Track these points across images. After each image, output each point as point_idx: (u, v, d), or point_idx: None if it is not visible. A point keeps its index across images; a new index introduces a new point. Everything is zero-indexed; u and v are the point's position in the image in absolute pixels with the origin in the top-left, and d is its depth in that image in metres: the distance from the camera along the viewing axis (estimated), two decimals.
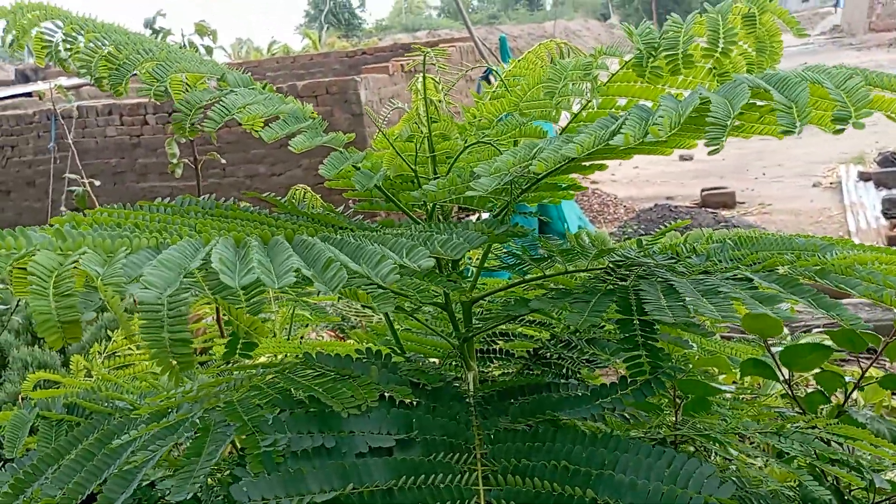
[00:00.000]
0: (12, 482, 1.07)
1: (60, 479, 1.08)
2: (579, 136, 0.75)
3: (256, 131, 1.06)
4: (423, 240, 0.85)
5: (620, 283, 1.01)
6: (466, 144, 1.00)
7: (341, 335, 3.81)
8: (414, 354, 1.24)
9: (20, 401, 2.04)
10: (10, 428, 1.16)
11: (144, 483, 1.40)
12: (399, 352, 1.18)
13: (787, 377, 1.28)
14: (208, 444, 0.86)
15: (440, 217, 1.07)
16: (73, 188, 2.92)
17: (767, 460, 1.24)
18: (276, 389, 0.89)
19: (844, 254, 0.95)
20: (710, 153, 0.70)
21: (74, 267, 0.64)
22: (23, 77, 13.02)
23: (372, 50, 11.11)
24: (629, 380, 0.90)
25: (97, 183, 3.30)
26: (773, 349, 1.32)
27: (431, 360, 1.27)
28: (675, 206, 8.88)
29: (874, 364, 1.27)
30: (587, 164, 1.09)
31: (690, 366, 1.51)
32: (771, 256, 0.99)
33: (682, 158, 12.35)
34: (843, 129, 0.64)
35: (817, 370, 1.27)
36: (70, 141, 4.48)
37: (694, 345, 1.57)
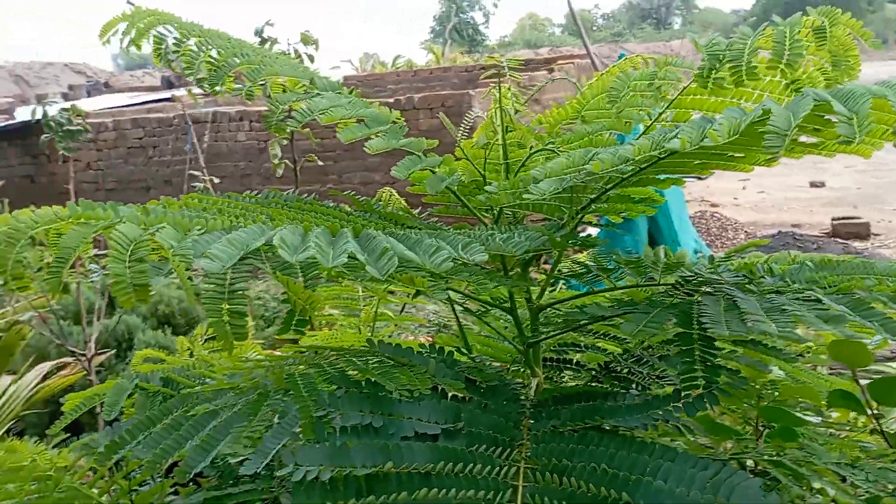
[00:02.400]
0: (108, 444, 1.18)
1: (149, 444, 1.18)
2: (638, 141, 0.75)
3: (342, 128, 1.12)
4: (483, 238, 0.88)
5: (686, 298, 1.00)
6: (531, 151, 1.02)
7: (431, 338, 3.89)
8: (480, 357, 1.27)
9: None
10: (110, 394, 1.28)
11: (232, 461, 1.50)
12: (465, 352, 1.21)
13: (875, 411, 1.21)
14: (264, 409, 0.92)
15: (509, 223, 1.09)
16: (196, 185, 3.15)
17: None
18: (336, 369, 0.94)
19: None
20: (768, 162, 0.69)
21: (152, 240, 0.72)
22: (167, 83, 14.06)
23: (491, 66, 11.21)
24: (682, 393, 0.89)
25: (216, 180, 3.54)
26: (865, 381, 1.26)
27: (497, 364, 1.29)
28: (801, 235, 8.45)
29: None
30: (662, 176, 1.08)
31: (777, 394, 1.45)
32: (849, 280, 0.95)
33: (813, 185, 11.70)
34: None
35: None
36: (196, 141, 4.82)
37: (782, 372, 1.51)
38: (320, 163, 2.70)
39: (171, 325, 4.56)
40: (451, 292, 1.25)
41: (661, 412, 0.89)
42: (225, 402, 1.04)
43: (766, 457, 1.12)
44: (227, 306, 0.72)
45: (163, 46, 1.04)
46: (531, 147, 1.06)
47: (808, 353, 1.62)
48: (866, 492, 1.12)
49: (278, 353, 1.09)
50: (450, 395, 0.94)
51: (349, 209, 1.10)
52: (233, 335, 0.72)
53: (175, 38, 1.02)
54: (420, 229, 1.01)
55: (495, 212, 1.08)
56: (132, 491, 1.59)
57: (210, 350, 1.77)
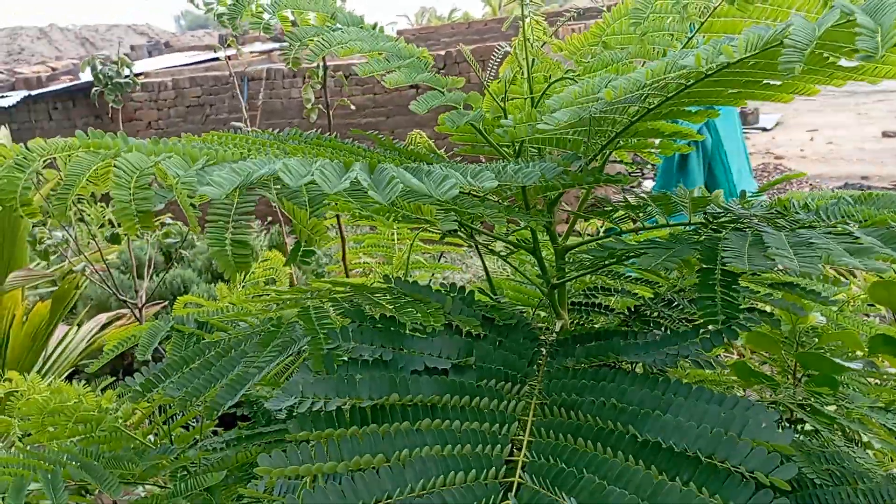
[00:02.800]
0: (143, 382, 1.22)
1: (181, 383, 1.21)
2: (650, 63, 0.72)
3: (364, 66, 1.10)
4: (496, 168, 0.86)
5: (713, 235, 0.96)
6: (551, 81, 0.98)
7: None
8: (509, 302, 1.25)
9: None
10: (145, 335, 1.31)
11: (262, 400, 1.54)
12: (490, 294, 1.20)
13: None
14: (276, 341, 0.93)
15: (532, 158, 1.07)
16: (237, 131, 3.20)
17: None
18: (352, 304, 0.94)
19: None
20: (805, 90, 0.65)
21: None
22: (225, 42, 14.20)
23: (548, 14, 10.95)
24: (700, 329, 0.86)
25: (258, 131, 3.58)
26: None
27: (523, 307, 1.28)
28: (869, 187, 8.09)
29: None
30: (693, 108, 1.03)
31: (817, 340, 1.40)
32: (888, 214, 0.90)
33: (886, 135, 11.15)
34: None
35: None
36: (238, 94, 4.86)
37: (823, 317, 1.45)
38: (352, 106, 2.69)
39: (224, 279, 4.69)
40: (477, 236, 1.24)
41: (677, 348, 0.86)
42: (243, 336, 1.05)
43: (794, 401, 1.08)
44: (230, 235, 0.72)
45: None
46: (549, 77, 1.02)
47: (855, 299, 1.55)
48: None
49: (296, 288, 1.10)
50: (465, 333, 0.93)
51: (367, 148, 1.09)
52: (235, 264, 0.72)
53: None
54: (435, 164, 0.99)
55: (516, 147, 1.05)
56: (173, 433, 1.65)
57: (251, 295, 1.81)
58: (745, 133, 10.79)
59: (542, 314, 1.26)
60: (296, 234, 0.79)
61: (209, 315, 1.43)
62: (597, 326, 1.29)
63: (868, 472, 0.94)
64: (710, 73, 0.88)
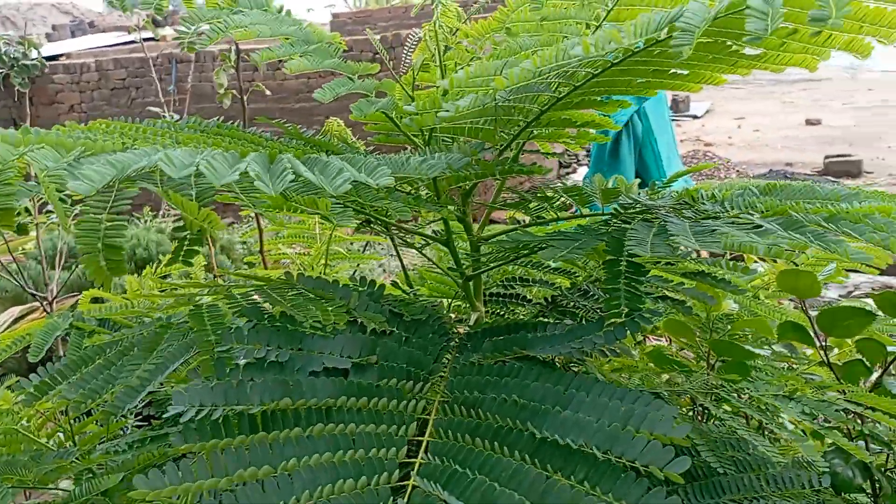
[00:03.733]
0: (37, 384, 1.15)
1: (79, 384, 1.15)
2: (540, 51, 0.70)
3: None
4: (397, 161, 0.83)
5: (622, 226, 0.96)
6: (458, 69, 0.96)
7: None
8: (421, 293, 1.23)
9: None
10: (39, 333, 1.24)
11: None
12: (404, 287, 1.17)
13: (823, 342, 1.18)
14: (165, 341, 0.88)
15: (443, 148, 1.04)
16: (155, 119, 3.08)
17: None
18: (249, 301, 0.90)
19: (871, 204, 0.85)
20: (712, 79, 0.63)
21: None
22: (154, 22, 13.72)
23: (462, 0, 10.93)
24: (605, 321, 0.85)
25: (176, 117, 3.46)
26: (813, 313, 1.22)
27: (439, 300, 1.26)
28: (793, 173, 8.38)
29: None
30: (604, 98, 1.02)
31: (730, 327, 1.42)
32: (790, 204, 0.90)
33: (809, 123, 11.56)
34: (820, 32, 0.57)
35: (860, 337, 1.16)
36: (188, 85, 4.71)
37: (736, 305, 1.48)
38: (268, 92, 2.61)
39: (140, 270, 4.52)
40: (392, 228, 1.21)
41: (579, 341, 0.85)
42: (131, 337, 1.00)
43: (703, 390, 1.09)
44: (102, 238, 0.67)
45: None
46: (456, 64, 0.99)
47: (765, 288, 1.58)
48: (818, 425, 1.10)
49: (192, 283, 1.05)
50: (370, 330, 0.90)
51: (271, 138, 1.04)
52: (108, 271, 0.67)
53: None
54: (340, 155, 0.95)
55: (426, 136, 1.02)
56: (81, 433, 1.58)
57: (162, 288, 1.74)
58: (676, 120, 11.02)
59: (462, 305, 1.24)
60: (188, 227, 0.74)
61: (113, 311, 1.37)
62: (511, 318, 1.28)
63: (771, 459, 0.95)
64: (616, 61, 0.87)
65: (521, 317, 1.29)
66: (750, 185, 1.00)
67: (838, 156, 9.14)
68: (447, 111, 0.78)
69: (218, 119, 1.13)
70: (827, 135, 10.87)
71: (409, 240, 1.23)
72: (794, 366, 1.29)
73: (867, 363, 1.16)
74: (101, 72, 8.66)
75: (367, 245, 2.09)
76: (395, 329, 0.92)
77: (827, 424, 1.15)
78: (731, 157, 9.65)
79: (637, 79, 0.97)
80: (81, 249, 0.67)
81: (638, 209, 0.99)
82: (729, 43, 0.85)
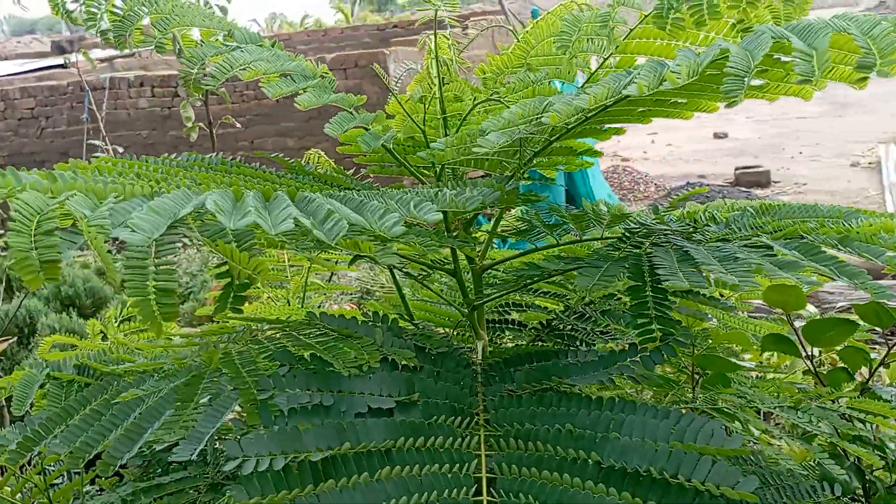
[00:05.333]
0: (21, 440, 1.08)
1: (68, 437, 1.09)
2: (593, 88, 0.71)
3: (266, 83, 1.04)
4: (431, 196, 0.83)
5: (634, 251, 0.98)
6: (476, 102, 0.97)
7: (359, 304, 3.82)
8: (423, 322, 1.22)
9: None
10: (19, 386, 1.17)
11: (158, 448, 1.41)
12: (408, 318, 1.16)
13: (809, 353, 1.24)
14: (200, 393, 0.85)
15: (451, 180, 1.04)
16: (97, 155, 2.95)
17: (790, 441, 1.21)
18: (276, 345, 0.88)
19: (870, 221, 0.91)
20: (727, 106, 0.66)
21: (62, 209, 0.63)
22: (59, 49, 13.18)
23: (404, 24, 11.01)
24: (639, 347, 0.87)
25: (120, 150, 3.32)
26: (797, 324, 1.28)
27: (440, 329, 1.25)
28: (707, 184, 8.74)
29: None
30: (604, 126, 1.05)
31: (710, 341, 1.47)
32: (793, 224, 0.95)
33: (717, 136, 12.12)
34: (867, 80, 0.60)
35: (842, 346, 1.23)
36: (94, 109, 4.53)
37: (715, 320, 1.53)
38: (238, 125, 2.55)
39: (76, 307, 4.31)
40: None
41: (616, 367, 0.87)
42: (151, 387, 0.96)
43: (707, 405, 1.13)
44: (154, 283, 0.64)
45: None
46: (474, 99, 1.00)
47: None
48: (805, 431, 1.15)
49: (210, 330, 1.02)
50: (402, 366, 0.89)
51: (282, 172, 1.02)
52: (161, 316, 0.64)
53: None
54: (357, 190, 0.94)
55: (437, 169, 1.02)
56: (50, 487, 1.49)
57: (126, 332, 1.66)
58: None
59: (459, 333, 1.24)
60: (231, 275, 0.72)
61: (90, 358, 1.30)
62: (511, 345, 1.29)
63: (790, 470, 0.99)
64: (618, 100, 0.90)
65: (517, 343, 1.30)
66: (747, 206, 1.05)
67: (747, 167, 9.61)
68: (482, 147, 0.79)
69: (190, 154, 1.10)
70: (734, 147, 11.42)
71: (407, 270, 1.22)
72: (775, 375, 1.35)
73: (849, 370, 1.22)
74: (7, 101, 8.25)
75: (332, 274, 2.06)
76: (423, 364, 0.91)
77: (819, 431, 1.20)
78: (649, 171, 10.01)
79: (640, 108, 1.00)
80: (132, 294, 0.64)
81: (644, 232, 1.02)
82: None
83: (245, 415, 1.16)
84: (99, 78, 7.56)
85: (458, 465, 0.73)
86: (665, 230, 1.01)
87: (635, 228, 1.04)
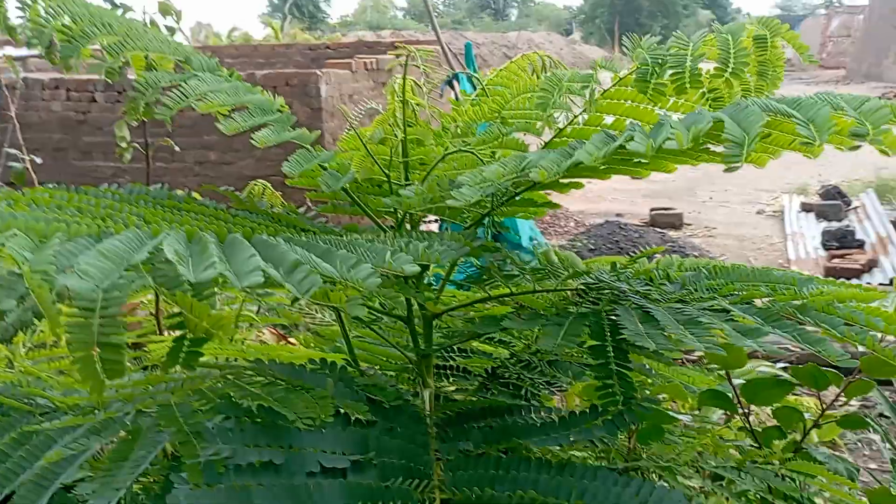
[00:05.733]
0: None
1: None
2: (587, 146, 0.70)
3: (221, 115, 0.99)
4: (401, 246, 0.80)
5: (593, 307, 0.98)
6: (447, 152, 0.95)
7: (283, 334, 3.71)
8: (368, 367, 1.18)
9: None
10: None
11: (61, 486, 1.31)
12: (353, 363, 1.12)
13: (745, 410, 1.27)
14: (137, 449, 0.79)
15: (409, 226, 1.02)
16: (13, 164, 2.76)
17: (726, 496, 1.23)
18: (220, 395, 0.82)
19: (821, 289, 0.93)
20: (726, 171, 0.67)
21: None
22: None
23: (335, 45, 10.93)
24: (600, 409, 0.86)
25: (38, 160, 3.13)
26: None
27: (386, 373, 1.22)
28: (625, 224, 9.00)
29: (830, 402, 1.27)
30: (566, 181, 1.05)
31: (647, 392, 1.49)
32: (747, 288, 0.97)
33: (633, 177, 12.54)
34: (860, 146, 0.63)
35: (776, 405, 1.26)
36: (12, 113, 4.27)
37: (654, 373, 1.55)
38: (177, 148, 2.44)
39: None
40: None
41: (578, 430, 0.86)
42: (80, 445, 0.88)
43: (655, 461, 1.13)
44: (101, 337, 0.58)
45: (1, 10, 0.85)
46: (441, 146, 0.98)
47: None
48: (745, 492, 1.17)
49: (145, 381, 0.94)
50: (353, 420, 0.85)
51: (233, 209, 0.97)
52: (105, 373, 0.58)
53: (20, 0, 0.84)
54: (316, 233, 0.90)
55: (399, 215, 0.99)
56: None
57: (35, 360, 1.54)
58: None
59: (406, 378, 1.21)
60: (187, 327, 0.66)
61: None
62: (452, 390, 1.26)
63: None
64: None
65: (457, 387, 1.28)
66: (699, 266, 1.07)
67: (662, 208, 9.97)
68: (457, 200, 0.76)
69: (133, 185, 1.04)
70: (650, 188, 11.84)
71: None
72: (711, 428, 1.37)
73: (783, 428, 1.25)
74: None
75: (259, 307, 1.98)
76: (376, 418, 0.87)
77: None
78: (569, 207, 10.23)
79: (603, 166, 1.00)
80: (74, 350, 0.58)
81: (604, 289, 1.02)
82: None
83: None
84: (11, 78, 7.17)
85: None
86: (623, 288, 1.01)
87: (593, 283, 1.03)
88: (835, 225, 8.35)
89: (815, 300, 0.88)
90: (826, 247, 7.53)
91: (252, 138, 0.93)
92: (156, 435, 0.85)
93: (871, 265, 6.53)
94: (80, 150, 7.49)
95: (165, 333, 1.67)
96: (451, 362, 1.28)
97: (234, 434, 0.76)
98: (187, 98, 0.88)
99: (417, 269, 0.66)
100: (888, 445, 1.68)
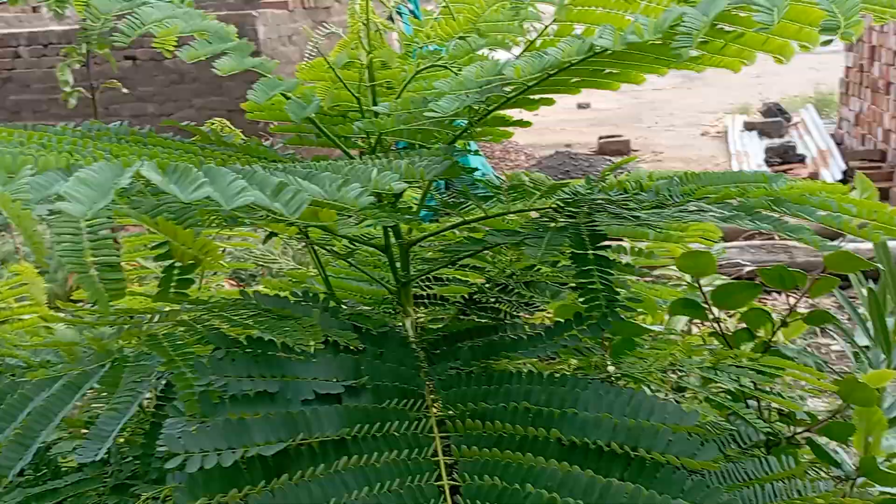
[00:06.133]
0: None
1: None
2: (560, 45, 0.69)
3: (168, 51, 0.94)
4: (383, 165, 0.79)
5: (570, 220, 0.98)
6: (420, 68, 0.92)
7: (241, 284, 3.66)
8: (349, 301, 1.17)
9: None
10: None
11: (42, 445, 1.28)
12: (332, 298, 1.11)
13: (716, 316, 1.30)
14: (127, 375, 0.77)
15: (386, 152, 0.99)
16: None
17: (700, 402, 1.27)
18: (207, 326, 0.81)
19: (791, 184, 0.95)
20: (636, 78, 0.67)
21: None
22: None
23: None
24: (584, 316, 0.87)
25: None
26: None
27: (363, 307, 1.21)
28: (575, 154, 9.06)
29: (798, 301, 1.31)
30: (536, 96, 1.03)
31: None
32: (720, 190, 0.98)
33: (580, 107, 12.56)
34: (830, 41, 0.63)
35: (744, 309, 1.30)
36: None
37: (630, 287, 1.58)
38: (125, 90, 2.33)
39: None
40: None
41: (565, 338, 0.87)
42: (54, 395, 0.85)
43: (631, 371, 1.16)
44: (94, 259, 0.56)
45: None
46: (418, 65, 0.95)
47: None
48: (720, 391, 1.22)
49: (126, 311, 0.92)
50: (344, 348, 0.85)
51: (195, 143, 0.93)
52: (109, 292, 0.56)
53: None
54: (291, 162, 0.88)
55: (372, 140, 0.97)
56: None
57: None
58: None
59: (387, 309, 1.20)
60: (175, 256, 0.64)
61: None
62: (429, 319, 1.27)
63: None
64: (574, 62, 0.88)
65: (441, 318, 1.28)
66: (672, 175, 1.07)
67: (609, 136, 10.04)
68: (434, 112, 0.75)
69: (91, 122, 0.99)
70: (596, 117, 11.89)
71: (329, 246, 1.16)
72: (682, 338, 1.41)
73: (752, 331, 1.30)
74: None
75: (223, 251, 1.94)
76: (365, 345, 0.87)
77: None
78: (518, 140, 10.23)
79: (574, 78, 0.99)
80: (74, 270, 0.55)
81: (580, 202, 1.02)
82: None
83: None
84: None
85: (416, 450, 0.70)
86: (600, 198, 1.01)
87: (569, 198, 1.03)
88: (777, 142, 8.54)
89: (788, 193, 0.90)
90: (769, 163, 7.70)
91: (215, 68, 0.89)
92: (137, 384, 0.84)
93: (813, 178, 6.73)
94: (8, 110, 7.14)
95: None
96: (429, 291, 1.28)
97: (227, 365, 0.75)
98: (143, 24, 0.83)
99: (405, 185, 0.65)
100: (846, 340, 1.76)
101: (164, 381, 0.89)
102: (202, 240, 0.61)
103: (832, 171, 6.82)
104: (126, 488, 1.16)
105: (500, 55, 1.01)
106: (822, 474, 1.28)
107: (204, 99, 6.42)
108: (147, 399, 1.11)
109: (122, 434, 1.26)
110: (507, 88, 0.93)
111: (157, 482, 0.86)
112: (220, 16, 5.94)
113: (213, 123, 1.25)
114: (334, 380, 0.78)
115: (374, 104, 0.99)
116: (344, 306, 1.07)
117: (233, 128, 1.23)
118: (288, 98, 0.97)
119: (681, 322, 2.05)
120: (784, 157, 7.80)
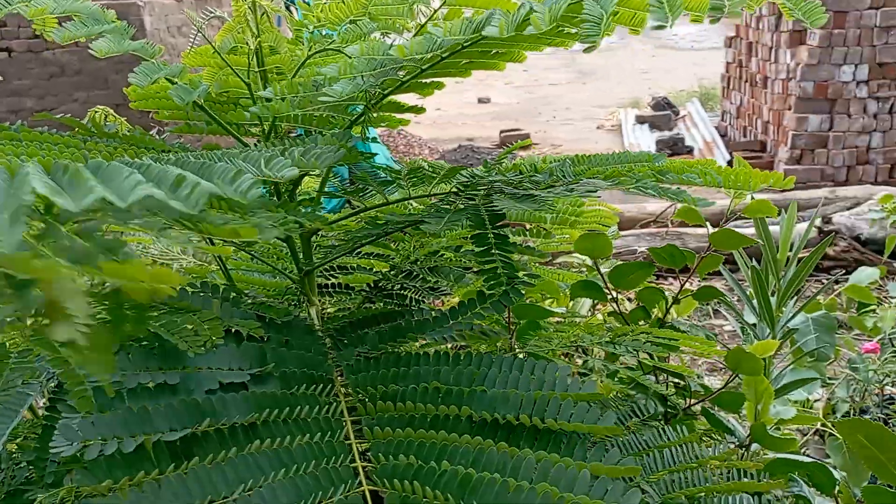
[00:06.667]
0: None
1: None
2: (445, 26, 0.70)
3: (48, 33, 0.90)
4: (277, 153, 0.77)
5: (469, 202, 0.99)
6: (312, 52, 0.91)
7: None
8: (251, 292, 1.15)
9: None
10: None
11: None
12: (234, 289, 1.08)
13: (614, 296, 1.35)
14: (10, 375, 0.73)
15: (280, 139, 0.97)
16: None
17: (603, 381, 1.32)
18: (99, 321, 0.77)
19: (671, 162, 1.00)
20: (585, 51, 0.68)
21: None
22: None
23: None
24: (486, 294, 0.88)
25: None
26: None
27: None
28: (478, 147, 9.18)
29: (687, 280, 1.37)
30: (427, 80, 1.04)
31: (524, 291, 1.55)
32: (609, 169, 1.02)
33: (481, 101, 12.74)
34: (719, 19, 0.66)
35: (639, 288, 1.35)
36: None
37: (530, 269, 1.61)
38: (1, 78, 2.17)
39: None
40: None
41: (469, 316, 0.88)
42: None
43: (536, 352, 1.19)
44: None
45: None
46: (310, 49, 0.94)
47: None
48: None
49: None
50: (247, 337, 0.83)
51: (75, 136, 0.89)
52: None
53: None
54: (181, 152, 0.85)
55: (265, 127, 0.95)
56: None
57: None
58: None
59: (290, 299, 1.18)
60: None
61: None
62: (333, 309, 1.26)
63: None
64: (466, 45, 0.89)
65: (346, 308, 1.27)
66: (564, 158, 1.11)
67: (510, 130, 10.24)
68: (329, 96, 0.74)
69: None
70: (497, 112, 12.08)
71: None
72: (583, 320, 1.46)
73: (647, 309, 1.35)
74: None
75: None
76: (270, 334, 0.85)
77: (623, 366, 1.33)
78: (422, 135, 10.27)
79: (464, 60, 1.00)
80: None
81: (479, 185, 1.03)
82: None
83: None
84: None
85: (328, 433, 0.70)
86: (497, 180, 1.03)
87: (467, 181, 1.05)
88: (667, 134, 8.93)
89: (670, 166, 0.95)
90: None
91: (92, 51, 0.85)
92: (24, 385, 0.79)
93: None
94: None
95: None
96: (333, 279, 1.27)
97: (120, 361, 0.72)
98: (10, 4, 0.79)
99: (296, 172, 0.64)
100: (736, 319, 1.86)
101: (54, 383, 0.84)
102: (158, 269, 0.56)
103: (717, 160, 7.19)
104: (21, 493, 1.09)
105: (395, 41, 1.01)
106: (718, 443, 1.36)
107: (87, 92, 6.09)
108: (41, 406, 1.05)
109: (14, 440, 1.19)
110: (402, 73, 0.94)
111: (52, 486, 0.82)
112: (104, 4, 5.70)
113: (96, 112, 1.20)
114: (238, 369, 0.76)
115: (265, 90, 0.97)
116: (246, 297, 1.04)
117: (117, 115, 1.18)
118: (174, 83, 0.94)
119: (584, 307, 2.12)
120: (673, 148, 8.16)
